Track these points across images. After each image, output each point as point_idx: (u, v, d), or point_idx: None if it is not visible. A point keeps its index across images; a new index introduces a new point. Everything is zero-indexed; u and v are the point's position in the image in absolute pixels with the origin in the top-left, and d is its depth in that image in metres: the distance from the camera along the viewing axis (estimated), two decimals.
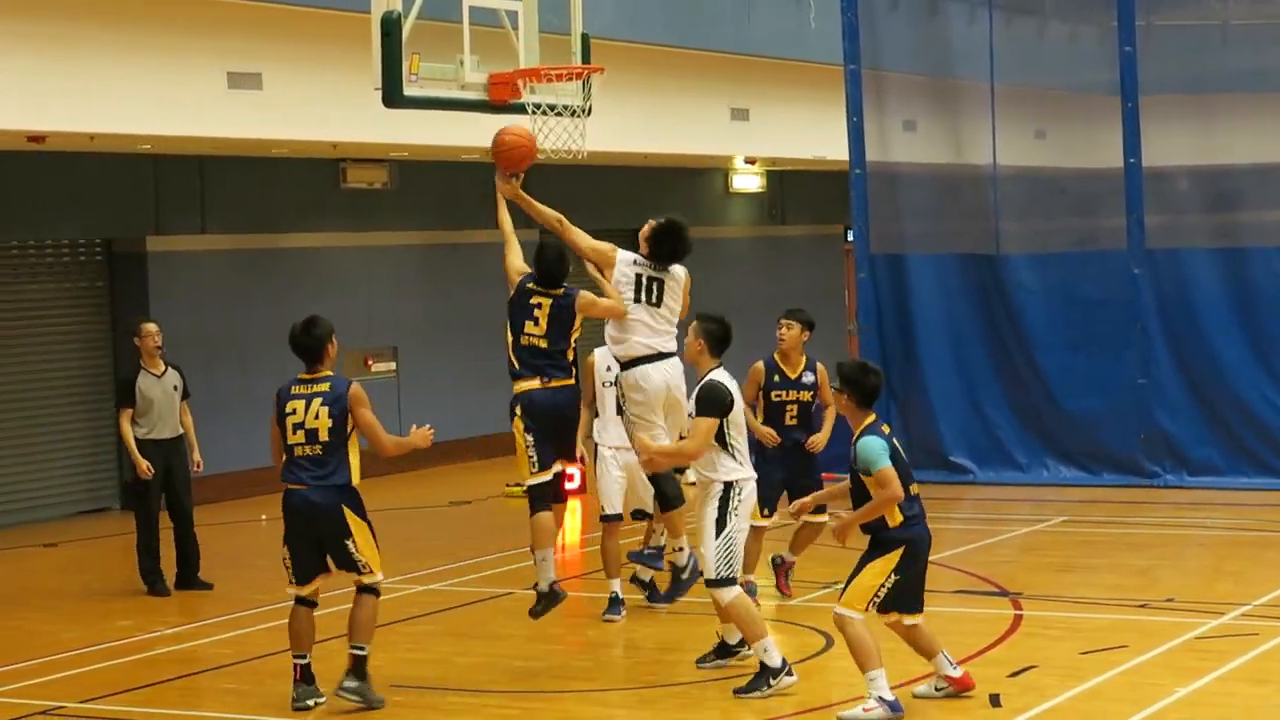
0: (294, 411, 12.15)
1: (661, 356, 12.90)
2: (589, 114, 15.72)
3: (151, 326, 16.63)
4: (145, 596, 16.19)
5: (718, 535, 11.85)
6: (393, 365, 25.22)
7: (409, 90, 14.56)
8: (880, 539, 11.24)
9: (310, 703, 11.90)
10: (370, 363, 24.96)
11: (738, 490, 11.96)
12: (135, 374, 16.46)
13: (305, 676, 11.92)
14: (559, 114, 15.38)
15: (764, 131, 27.15)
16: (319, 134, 20.68)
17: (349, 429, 12.01)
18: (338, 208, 24.66)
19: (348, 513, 11.95)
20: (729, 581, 11.82)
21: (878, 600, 11.30)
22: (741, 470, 12.01)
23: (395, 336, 25.17)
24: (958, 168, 23.06)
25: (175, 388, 16.56)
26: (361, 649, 11.89)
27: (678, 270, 13.11)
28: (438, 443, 20.74)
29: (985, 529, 18.53)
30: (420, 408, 22.22)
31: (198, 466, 16.74)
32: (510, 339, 13.03)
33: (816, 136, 26.88)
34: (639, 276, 12.94)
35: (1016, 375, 22.04)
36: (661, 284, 12.92)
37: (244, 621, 15.01)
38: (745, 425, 12.29)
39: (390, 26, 14.28)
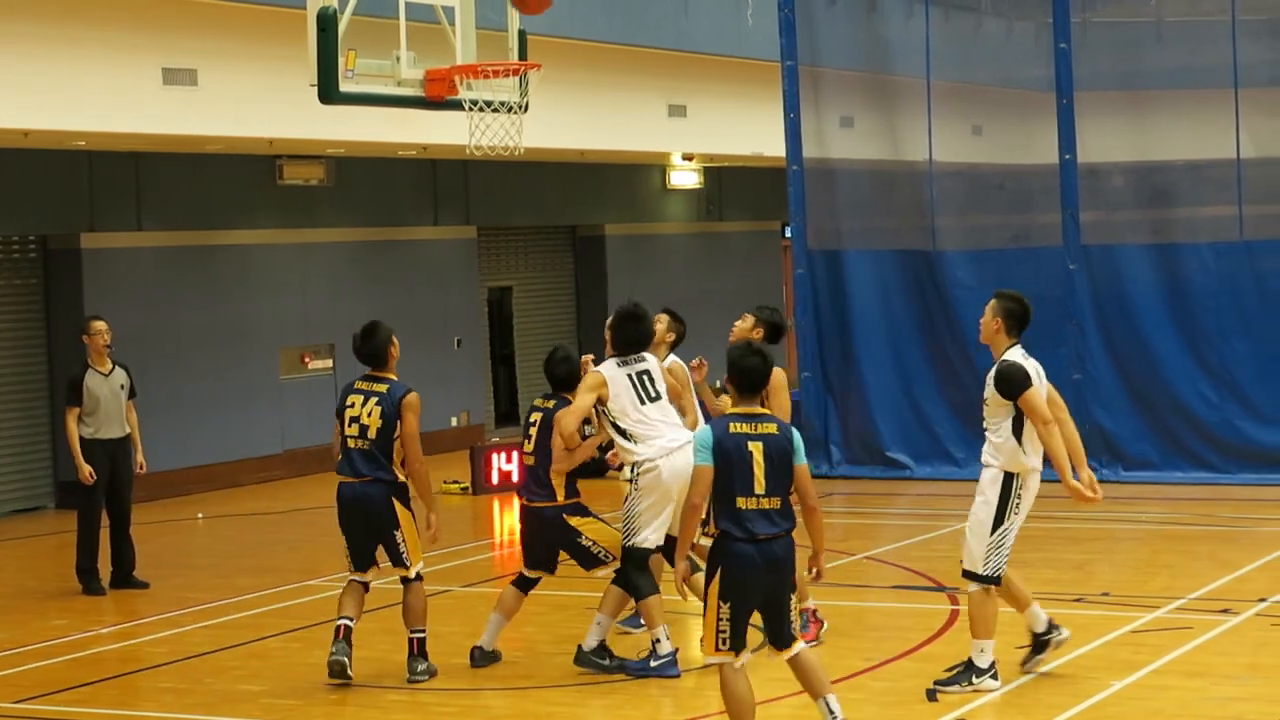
0: (352, 405, 12.50)
1: (685, 445, 12.29)
2: (526, 110, 15.70)
3: (101, 324, 16.53)
4: (80, 596, 16.10)
5: (992, 531, 11.48)
6: (330, 363, 25.15)
7: (345, 86, 14.55)
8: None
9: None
10: (307, 360, 24.89)
11: (1019, 483, 11.47)
12: (83, 372, 16.36)
13: (345, 636, 12.25)
14: (496, 110, 15.37)
15: (701, 128, 27.19)
16: (255, 130, 20.62)
17: (396, 432, 12.31)
18: (274, 204, 24.58)
19: (396, 504, 12.34)
20: (991, 580, 11.47)
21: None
22: (1029, 460, 11.49)
23: (332, 334, 25.09)
24: (895, 164, 23.12)
25: (122, 387, 16.47)
26: (421, 631, 12.41)
27: (651, 357, 12.73)
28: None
29: (922, 524, 18.59)
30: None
31: (141, 468, 16.65)
32: None
33: (754, 133, 26.94)
34: (630, 377, 12.48)
35: (953, 371, 22.10)
36: (649, 373, 12.54)
37: (181, 620, 14.95)
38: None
39: (326, 22, 14.26)
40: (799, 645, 10.03)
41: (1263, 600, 14.02)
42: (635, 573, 12.38)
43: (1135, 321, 21.42)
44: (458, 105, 15.23)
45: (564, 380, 12.80)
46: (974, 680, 11.52)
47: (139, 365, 21.87)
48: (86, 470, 16.09)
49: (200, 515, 20.72)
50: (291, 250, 24.78)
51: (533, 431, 12.70)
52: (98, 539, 16.35)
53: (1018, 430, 11.43)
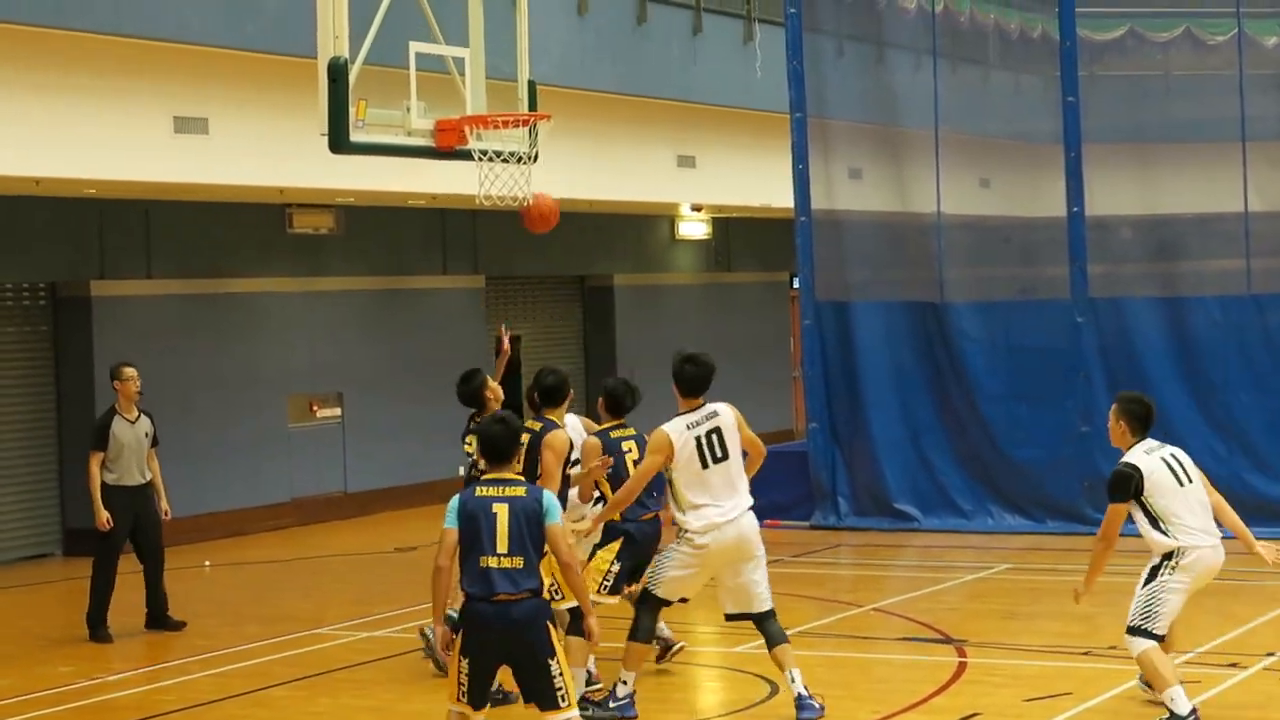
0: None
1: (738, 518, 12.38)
2: (535, 161, 15.75)
3: (132, 371, 16.64)
4: (87, 643, 16.09)
5: (1144, 585, 11.88)
6: (338, 411, 25.16)
7: (355, 136, 14.59)
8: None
9: None
10: (315, 408, 24.91)
11: (1177, 557, 11.80)
12: (110, 418, 16.43)
13: None
14: (505, 161, 15.41)
15: (710, 178, 27.26)
16: (265, 179, 20.68)
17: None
18: (284, 253, 24.63)
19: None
20: (1141, 633, 11.73)
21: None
22: (1175, 541, 11.76)
23: (340, 382, 25.13)
24: (903, 215, 23.14)
25: (147, 434, 16.55)
26: None
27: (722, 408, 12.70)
28: (381, 488, 21.11)
29: (929, 576, 18.57)
30: (365, 454, 22.25)
31: (166, 514, 16.70)
32: None
33: (762, 184, 27.01)
34: (699, 439, 12.34)
35: (960, 423, 22.11)
36: (719, 430, 12.44)
37: (188, 668, 14.94)
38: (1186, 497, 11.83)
39: (337, 72, 14.31)
40: (568, 711, 9.84)
41: (1270, 654, 14.00)
42: (644, 613, 12.41)
43: (1143, 374, 21.39)
44: (467, 155, 15.27)
45: (550, 393, 13.08)
46: None
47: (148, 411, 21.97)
48: (104, 516, 16.13)
49: (207, 563, 20.72)
50: (301, 299, 24.82)
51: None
52: (111, 588, 16.33)
53: (1154, 522, 11.84)
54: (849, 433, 22.72)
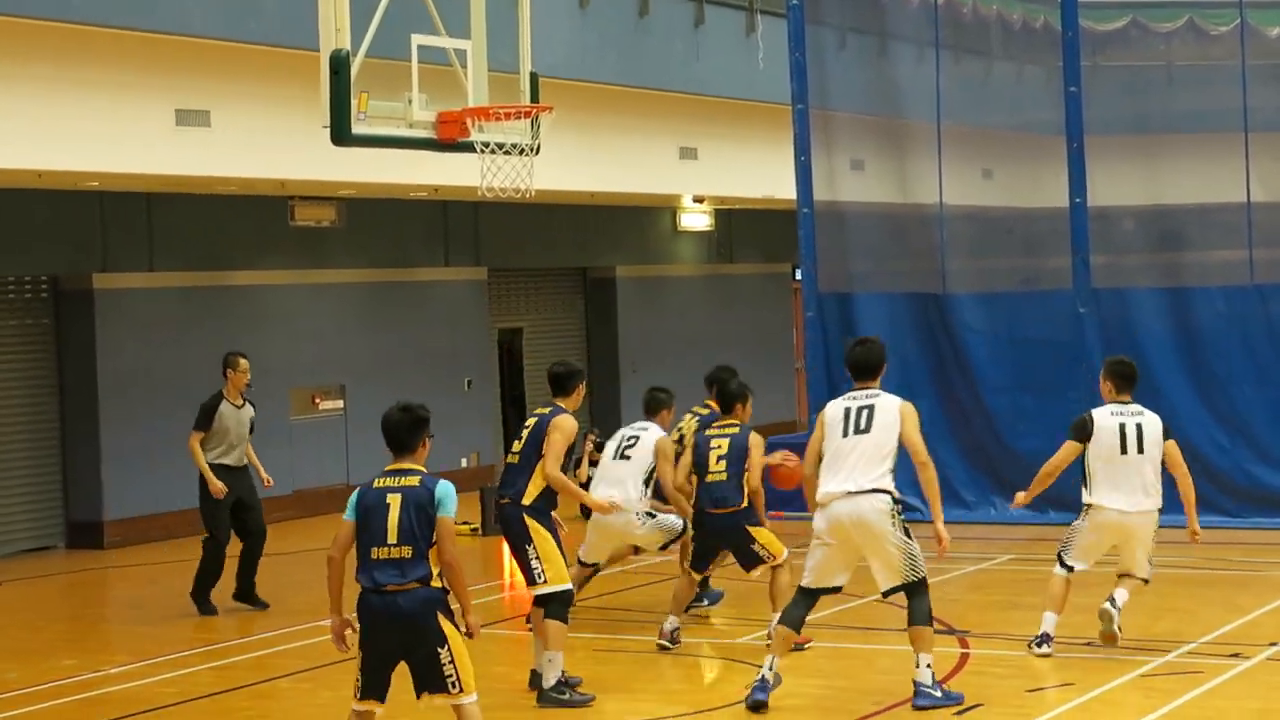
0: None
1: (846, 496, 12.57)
2: (537, 152, 15.76)
3: (245, 362, 17.30)
4: (89, 636, 16.13)
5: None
6: (340, 403, 25.18)
7: (357, 128, 14.61)
8: None
9: None
10: (318, 401, 24.92)
11: (1086, 510, 13.85)
12: (218, 401, 17.10)
13: None
14: (507, 152, 15.43)
15: (712, 170, 27.25)
16: (267, 172, 20.68)
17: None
18: (286, 245, 24.64)
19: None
20: (1059, 558, 13.92)
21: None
22: (1087, 496, 13.84)
23: (343, 374, 25.14)
24: (905, 207, 23.15)
25: (250, 420, 17.25)
26: None
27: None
28: None
29: (933, 567, 18.28)
30: (368, 446, 22.22)
31: (267, 483, 17.42)
32: None
33: (765, 175, 27.00)
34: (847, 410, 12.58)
35: (964, 414, 22.12)
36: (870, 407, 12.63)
37: (189, 660, 14.95)
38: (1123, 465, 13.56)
39: (339, 65, 14.32)
40: (459, 696, 9.82)
41: (1273, 644, 14.00)
42: (795, 603, 12.59)
43: (1145, 365, 21.17)
44: (469, 147, 15.29)
45: (557, 381, 13.28)
46: None
47: (150, 405, 22.02)
48: (219, 485, 16.74)
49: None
50: (303, 291, 24.83)
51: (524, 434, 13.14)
52: (222, 564, 16.96)
53: (1082, 472, 13.70)
54: None
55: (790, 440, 24.89)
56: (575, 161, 23.17)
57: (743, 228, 32.68)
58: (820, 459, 12.46)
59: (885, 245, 23.55)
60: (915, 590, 12.36)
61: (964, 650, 14.13)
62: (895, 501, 12.35)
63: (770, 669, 12.31)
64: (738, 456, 14.39)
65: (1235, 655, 13.56)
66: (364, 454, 24.88)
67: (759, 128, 26.69)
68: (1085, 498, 13.72)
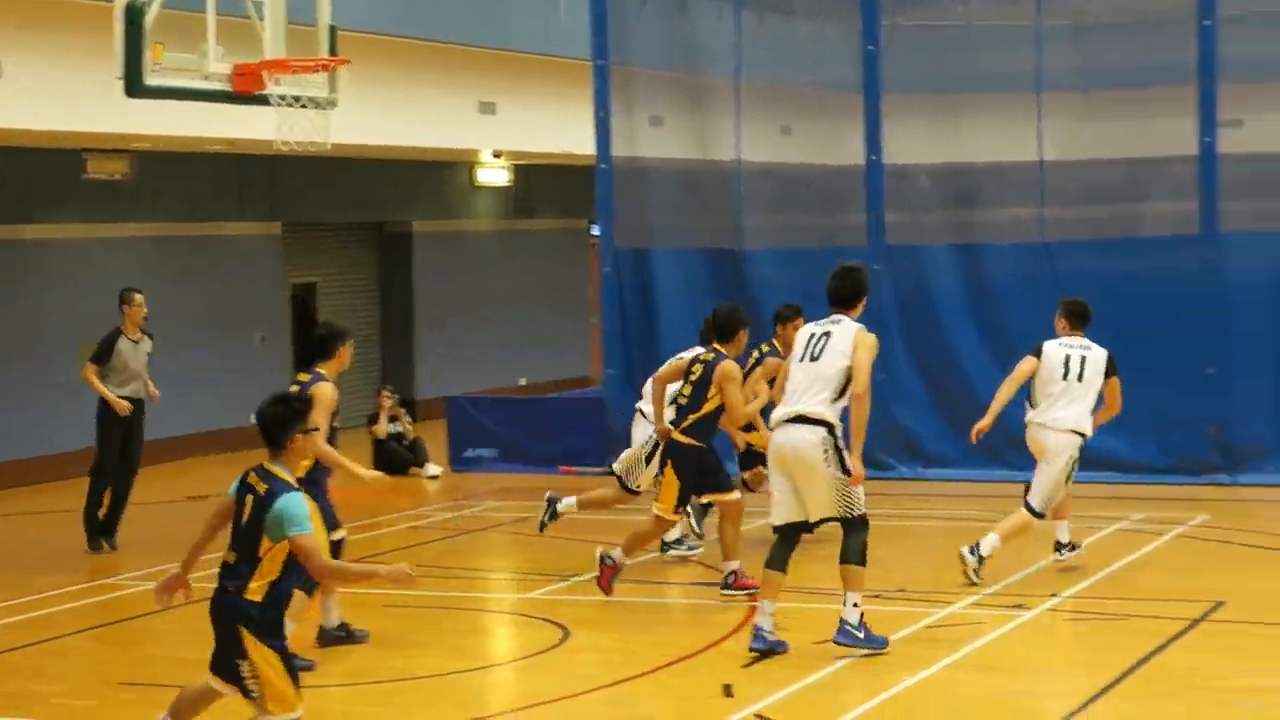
0: None
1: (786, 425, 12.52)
2: (335, 106, 15.64)
3: (140, 297, 17.90)
4: None
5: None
6: None
7: (151, 80, 14.45)
8: None
9: None
10: None
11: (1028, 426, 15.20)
12: (115, 336, 17.73)
13: None
14: (304, 106, 15.32)
15: (512, 125, 27.19)
16: (59, 123, 20.34)
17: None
18: (78, 199, 24.25)
19: None
20: None
21: None
22: (1028, 412, 15.18)
23: None
24: (704, 163, 23.20)
25: (148, 354, 17.90)
26: None
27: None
28: (177, 436, 20.80)
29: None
30: (162, 401, 21.90)
31: (155, 397, 18.14)
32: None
33: (564, 131, 26.98)
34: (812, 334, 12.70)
35: None
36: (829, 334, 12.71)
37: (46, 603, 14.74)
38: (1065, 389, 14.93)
39: (134, 15, 14.15)
40: (275, 714, 9.13)
41: (1054, 595, 14.28)
42: (776, 543, 12.63)
43: (938, 321, 21.67)
44: (266, 100, 15.15)
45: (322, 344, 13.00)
46: None
47: None
48: (123, 403, 17.48)
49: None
50: (95, 245, 24.46)
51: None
52: (103, 495, 17.60)
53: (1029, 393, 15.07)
54: (646, 379, 22.76)
55: (585, 395, 25.12)
56: (373, 115, 22.99)
57: (541, 183, 32.64)
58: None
59: (684, 201, 23.61)
60: (850, 526, 12.37)
61: (752, 604, 14.24)
62: (833, 434, 12.28)
63: (766, 615, 12.36)
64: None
65: (1018, 606, 13.80)
66: (157, 410, 24.56)
67: (559, 83, 26.65)
68: (1026, 418, 15.20)
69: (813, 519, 12.39)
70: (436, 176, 30.52)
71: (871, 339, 12.53)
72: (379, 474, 13.08)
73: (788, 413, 12.29)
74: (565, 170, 31.00)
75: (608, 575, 14.47)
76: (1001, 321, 21.42)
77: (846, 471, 12.24)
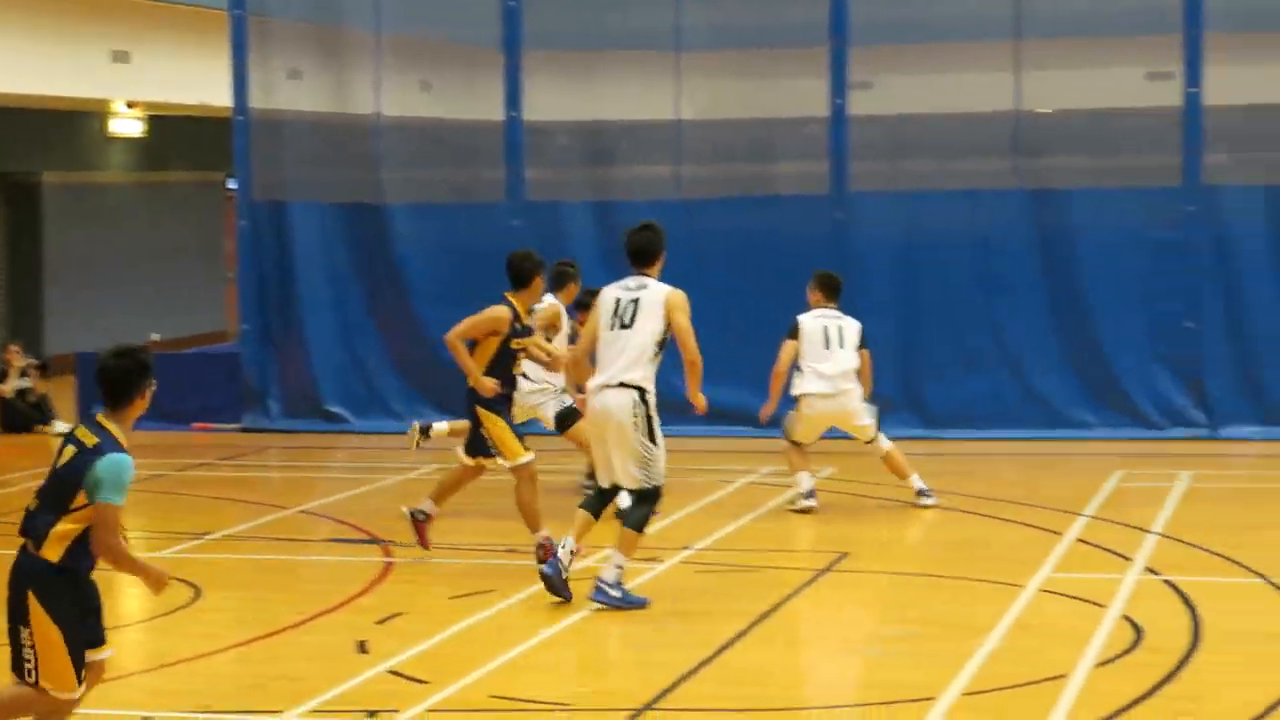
0: None
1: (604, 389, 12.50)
2: None
3: None
4: None
5: None
6: None
7: None
8: None
9: None
10: None
11: (799, 401, 16.01)
12: None
13: None
14: None
15: (146, 75, 26.61)
16: None
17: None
18: None
19: None
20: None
21: None
22: (796, 389, 15.93)
23: None
24: (343, 117, 23.04)
25: None
26: None
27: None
28: None
29: (359, 478, 18.59)
30: None
31: None
32: None
33: (200, 82, 26.47)
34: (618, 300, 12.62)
35: (395, 325, 22.21)
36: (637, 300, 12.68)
37: None
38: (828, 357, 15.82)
39: None
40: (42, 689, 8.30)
41: (686, 548, 14.42)
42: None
43: (578, 278, 21.73)
44: None
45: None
46: None
47: None
48: None
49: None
50: None
51: None
52: None
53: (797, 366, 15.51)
54: (282, 335, 22.58)
55: (219, 351, 24.75)
56: None
57: (177, 135, 31.97)
58: (593, 344, 12.62)
59: (322, 155, 23.40)
60: (641, 497, 12.42)
61: (388, 560, 14.17)
62: (644, 400, 12.32)
63: (566, 548, 12.41)
64: None
65: (652, 559, 13.90)
66: None
67: (195, 32, 26.16)
68: (794, 390, 15.95)
69: (624, 484, 12.51)
70: (67, 126, 29.73)
71: (683, 298, 12.61)
72: None
73: (605, 380, 12.39)
74: (202, 122, 30.43)
75: (421, 530, 14.09)
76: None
77: (653, 440, 12.38)
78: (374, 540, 14.94)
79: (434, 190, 23.10)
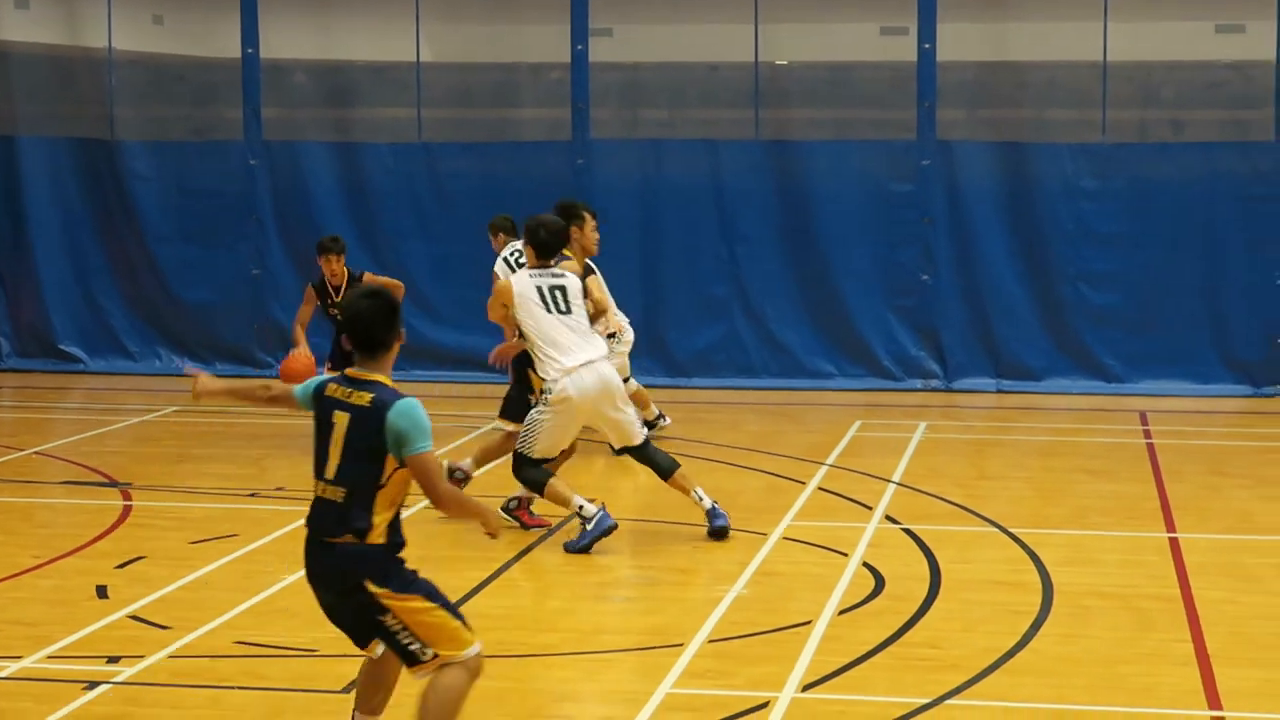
0: None
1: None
2: None
3: None
4: None
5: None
6: None
7: None
8: None
9: None
10: None
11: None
12: None
13: None
14: None
15: None
16: None
17: None
18: None
19: None
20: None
21: None
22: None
23: None
24: (74, 49, 22.61)
25: None
26: None
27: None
28: None
29: (95, 419, 18.28)
30: None
31: None
32: None
33: None
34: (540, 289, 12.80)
35: (130, 264, 21.94)
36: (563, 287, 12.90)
37: None
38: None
39: None
40: (421, 673, 7.63)
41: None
42: (527, 469, 12.79)
43: (316, 219, 21.61)
44: None
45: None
46: None
47: None
48: None
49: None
50: None
51: None
52: None
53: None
54: (13, 272, 22.17)
55: None
56: None
57: None
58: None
59: (52, 89, 22.97)
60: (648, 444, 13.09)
61: (127, 503, 13.94)
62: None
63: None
64: None
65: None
66: None
67: None
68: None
69: (619, 445, 13.08)
70: None
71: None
72: None
73: (585, 359, 12.68)
74: None
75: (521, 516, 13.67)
76: (380, 221, 21.54)
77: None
78: (112, 483, 14.71)
79: (169, 128, 22.81)
